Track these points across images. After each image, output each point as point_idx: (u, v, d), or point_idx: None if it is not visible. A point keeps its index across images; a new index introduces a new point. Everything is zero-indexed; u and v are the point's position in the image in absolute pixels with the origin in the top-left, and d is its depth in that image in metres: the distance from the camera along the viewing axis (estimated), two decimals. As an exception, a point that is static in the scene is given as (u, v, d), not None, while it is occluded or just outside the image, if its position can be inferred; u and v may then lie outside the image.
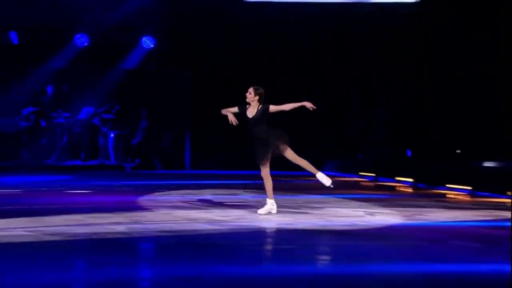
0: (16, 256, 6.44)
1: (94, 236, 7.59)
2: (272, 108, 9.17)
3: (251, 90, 9.22)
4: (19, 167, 17.01)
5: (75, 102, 18.72)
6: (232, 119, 9.27)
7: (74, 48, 18.36)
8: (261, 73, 17.33)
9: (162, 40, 18.49)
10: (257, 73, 18.02)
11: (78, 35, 18.23)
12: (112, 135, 18.42)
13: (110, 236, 7.64)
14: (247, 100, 9.23)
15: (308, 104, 9.12)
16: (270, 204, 9.28)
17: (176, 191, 12.28)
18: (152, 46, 18.56)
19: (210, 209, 9.79)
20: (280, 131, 9.29)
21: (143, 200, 10.94)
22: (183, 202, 10.70)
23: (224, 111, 9.39)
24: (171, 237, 7.64)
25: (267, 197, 9.31)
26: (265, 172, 9.19)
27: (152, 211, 9.56)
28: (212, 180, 14.87)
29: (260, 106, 9.21)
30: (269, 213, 9.24)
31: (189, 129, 18.79)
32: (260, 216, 9.16)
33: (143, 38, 18.50)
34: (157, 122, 18.82)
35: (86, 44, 18.28)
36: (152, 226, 8.27)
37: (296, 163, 9.32)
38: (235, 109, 9.31)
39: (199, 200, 10.78)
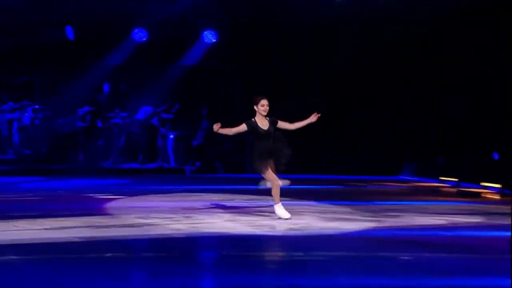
0: (72, 265, 6.56)
1: (153, 244, 7.67)
2: (280, 123, 9.55)
3: (267, 102, 9.49)
4: (75, 170, 17.36)
5: (133, 101, 18.99)
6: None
7: (132, 43, 18.63)
8: (327, 69, 17.32)
9: (225, 34, 18.59)
10: (324, 69, 17.97)
11: (136, 30, 18.50)
12: (171, 136, 18.62)
13: (169, 243, 7.71)
14: (265, 113, 9.47)
15: (314, 118, 9.57)
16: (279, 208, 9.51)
17: (240, 196, 12.31)
18: (214, 40, 18.68)
19: (275, 215, 9.76)
20: (287, 147, 9.59)
21: (205, 205, 11.01)
22: (247, 207, 10.71)
23: (223, 131, 9.47)
24: (234, 245, 7.65)
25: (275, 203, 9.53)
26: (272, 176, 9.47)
27: (214, 217, 9.61)
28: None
29: (267, 117, 9.50)
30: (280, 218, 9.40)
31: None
32: (327, 223, 9.10)
33: (205, 32, 18.65)
34: (219, 122, 18.91)
35: (144, 39, 18.54)
36: (213, 233, 8.31)
37: (268, 181, 9.60)
38: (243, 127, 9.50)
39: (264, 206, 10.77)
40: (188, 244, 7.83)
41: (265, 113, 9.47)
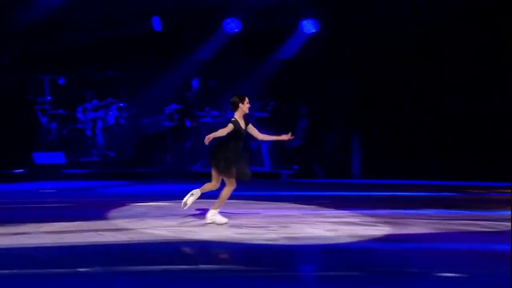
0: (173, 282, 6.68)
1: (246, 255, 7.71)
2: (251, 126, 9.78)
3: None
4: (162, 173, 17.65)
5: (224, 99, 19.15)
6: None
7: (224, 35, 18.81)
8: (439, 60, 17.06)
9: (326, 24, 18.52)
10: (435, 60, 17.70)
11: (228, 20, 18.66)
12: (266, 137, 18.68)
13: (266, 255, 7.73)
14: (248, 111, 9.74)
15: (286, 137, 10.09)
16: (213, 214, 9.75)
17: (342, 204, 12.24)
18: (313, 31, 18.64)
19: (381, 225, 9.65)
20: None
21: (303, 214, 11.00)
22: (351, 217, 10.64)
23: (211, 136, 9.49)
24: (336, 258, 7.60)
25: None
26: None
27: (313, 227, 9.59)
28: (385, 192, 14.69)
29: (244, 117, 9.74)
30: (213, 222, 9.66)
31: (358, 130, 18.67)
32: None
33: (303, 21, 18.63)
34: (319, 122, 18.88)
35: (237, 30, 18.68)
36: (314, 245, 8.29)
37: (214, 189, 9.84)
38: (230, 128, 9.54)
39: (370, 215, 10.67)
40: (285, 256, 7.82)
41: (248, 111, 9.73)
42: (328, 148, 18.82)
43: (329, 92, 18.93)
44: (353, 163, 18.68)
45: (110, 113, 18.82)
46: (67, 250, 7.95)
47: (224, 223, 9.63)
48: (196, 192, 9.83)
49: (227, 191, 9.74)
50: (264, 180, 17.61)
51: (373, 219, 10.30)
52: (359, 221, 10.16)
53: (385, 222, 10.03)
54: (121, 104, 18.94)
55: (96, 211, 10.87)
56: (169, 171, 17.96)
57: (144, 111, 18.90)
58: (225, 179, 9.73)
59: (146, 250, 7.98)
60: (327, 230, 9.34)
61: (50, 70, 18.74)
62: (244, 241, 8.52)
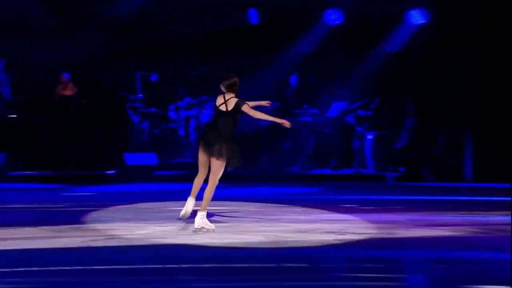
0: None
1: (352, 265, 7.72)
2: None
3: None
4: (258, 176, 17.77)
5: (324, 96, 19.14)
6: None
7: (324, 27, 18.81)
8: None
9: (436, 14, 18.30)
10: None
11: (329, 11, 18.65)
12: (369, 137, 18.60)
13: (368, 265, 7.72)
14: None
15: (265, 103, 10.04)
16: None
17: (454, 211, 12.10)
18: (422, 22, 18.46)
19: (496, 233, 9.48)
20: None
21: (408, 219, 10.91)
22: (466, 225, 10.48)
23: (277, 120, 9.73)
24: (446, 271, 7.53)
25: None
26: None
27: (417, 235, 9.51)
28: (500, 196, 14.42)
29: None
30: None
31: (471, 129, 18.39)
32: None
33: (411, 11, 18.47)
34: (427, 120, 18.67)
35: (338, 22, 18.65)
36: (414, 256, 8.23)
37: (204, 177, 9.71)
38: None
39: (488, 224, 10.51)
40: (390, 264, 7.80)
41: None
42: (438, 149, 18.61)
43: (438, 88, 18.70)
44: (466, 165, 18.41)
45: (204, 111, 19.04)
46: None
47: (212, 230, 9.46)
48: (191, 200, 9.73)
49: (211, 188, 9.59)
50: (366, 183, 17.56)
51: (485, 228, 10.14)
52: (471, 230, 10.02)
53: (497, 230, 9.86)
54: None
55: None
56: (265, 173, 18.06)
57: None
58: (216, 165, 9.56)
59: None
60: (435, 236, 9.26)
61: (141, 66, 19.09)
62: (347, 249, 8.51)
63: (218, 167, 9.55)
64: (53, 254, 8.00)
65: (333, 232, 9.57)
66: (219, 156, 9.53)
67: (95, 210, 11.45)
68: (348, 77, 19.03)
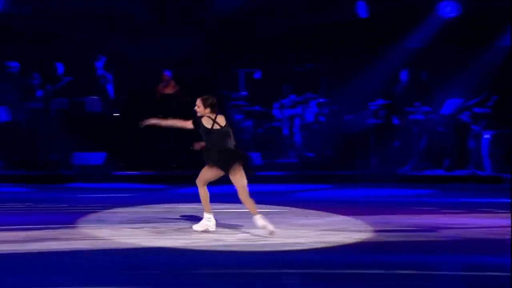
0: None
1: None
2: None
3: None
4: (365, 177, 17.86)
5: (437, 93, 19.04)
6: None
7: (438, 20, 18.76)
8: None
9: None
10: None
11: (443, 3, 18.58)
12: (486, 136, 18.43)
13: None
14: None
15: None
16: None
17: None
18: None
19: None
20: None
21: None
22: None
23: None
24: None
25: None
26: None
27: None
28: None
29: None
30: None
31: None
32: None
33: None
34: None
35: (454, 14, 18.58)
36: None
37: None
38: None
39: None
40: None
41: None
42: None
43: None
44: None
45: (309, 109, 19.18)
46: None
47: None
48: (210, 217, 10.19)
49: (245, 192, 9.96)
50: (484, 185, 17.38)
51: None
52: None
53: None
54: (321, 100, 19.22)
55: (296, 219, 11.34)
56: (374, 174, 18.10)
57: (346, 107, 19.08)
58: (237, 178, 9.98)
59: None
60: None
61: (244, 62, 19.37)
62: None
63: (238, 178, 10.02)
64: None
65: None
66: (231, 169, 10.04)
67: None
68: (464, 72, 18.90)
